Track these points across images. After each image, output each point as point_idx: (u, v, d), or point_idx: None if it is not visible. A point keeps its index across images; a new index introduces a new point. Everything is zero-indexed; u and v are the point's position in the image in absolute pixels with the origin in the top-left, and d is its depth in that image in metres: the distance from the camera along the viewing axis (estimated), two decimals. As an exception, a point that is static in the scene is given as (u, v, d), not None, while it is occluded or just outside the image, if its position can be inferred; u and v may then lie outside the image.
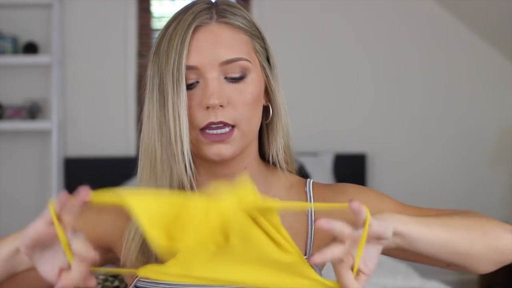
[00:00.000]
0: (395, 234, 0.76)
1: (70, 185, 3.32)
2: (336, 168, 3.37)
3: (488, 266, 0.88)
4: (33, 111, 3.30)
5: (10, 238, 0.80)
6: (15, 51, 3.28)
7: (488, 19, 3.38)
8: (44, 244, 0.73)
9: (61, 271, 0.72)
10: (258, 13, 3.43)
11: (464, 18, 3.51)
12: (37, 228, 0.72)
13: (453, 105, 3.59)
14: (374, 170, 3.55)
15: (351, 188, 0.98)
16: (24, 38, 3.35)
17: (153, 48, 0.89)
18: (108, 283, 1.24)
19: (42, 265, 0.74)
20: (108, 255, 0.96)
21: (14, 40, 3.29)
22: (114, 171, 3.25)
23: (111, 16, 3.44)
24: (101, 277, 1.26)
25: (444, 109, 3.58)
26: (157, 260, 0.88)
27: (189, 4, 0.90)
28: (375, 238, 0.73)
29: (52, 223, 0.71)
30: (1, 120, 3.26)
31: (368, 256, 0.73)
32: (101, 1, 3.43)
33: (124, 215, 0.95)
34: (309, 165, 3.19)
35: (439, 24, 3.56)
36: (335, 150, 3.48)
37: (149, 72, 0.88)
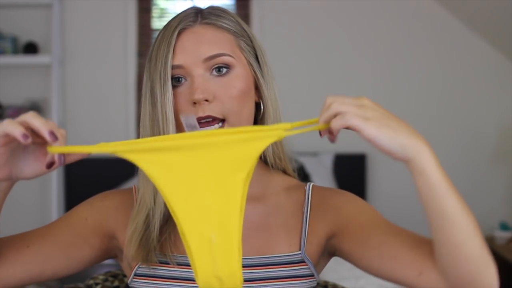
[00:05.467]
0: (411, 161, 0.73)
1: (70, 185, 3.32)
2: (336, 168, 3.37)
3: (458, 278, 0.79)
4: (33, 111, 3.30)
5: None
6: (15, 51, 3.28)
7: (488, 19, 3.38)
8: (13, 153, 0.77)
9: (46, 156, 0.77)
10: (258, 13, 3.43)
11: (464, 18, 3.51)
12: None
13: (453, 104, 3.59)
14: (374, 170, 3.55)
15: (349, 194, 0.99)
16: (24, 38, 3.35)
17: (148, 55, 0.94)
18: (108, 283, 1.24)
19: (25, 170, 0.78)
20: (112, 242, 0.98)
21: (14, 40, 3.29)
22: (114, 171, 3.25)
23: (111, 16, 3.44)
24: (101, 277, 1.26)
25: (444, 108, 3.58)
26: (157, 254, 0.90)
27: (179, 13, 0.95)
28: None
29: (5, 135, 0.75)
30: (1, 120, 3.26)
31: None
32: (101, 1, 3.43)
33: (126, 202, 0.97)
34: (309, 165, 3.19)
35: (439, 24, 3.56)
36: (335, 150, 3.48)
37: (144, 78, 0.93)
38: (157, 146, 0.73)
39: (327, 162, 3.36)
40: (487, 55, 3.57)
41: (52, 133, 0.73)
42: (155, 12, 3.51)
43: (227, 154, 0.73)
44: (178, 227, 0.77)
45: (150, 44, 3.46)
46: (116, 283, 1.24)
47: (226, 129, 0.77)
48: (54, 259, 0.93)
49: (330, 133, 0.75)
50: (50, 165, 0.76)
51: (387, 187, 3.54)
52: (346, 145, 3.51)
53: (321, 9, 3.52)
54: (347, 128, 0.73)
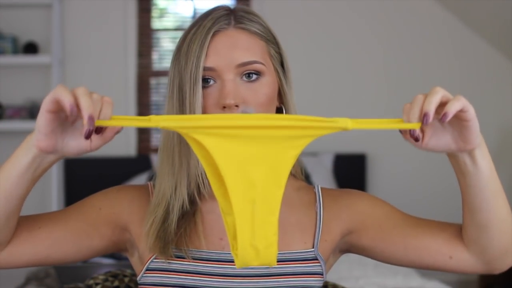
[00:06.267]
0: (472, 154, 0.84)
1: (70, 185, 3.32)
2: (336, 168, 3.37)
3: (495, 252, 0.89)
4: (33, 111, 3.30)
5: (18, 151, 0.79)
6: (15, 51, 3.28)
7: (488, 19, 3.38)
8: (62, 125, 0.75)
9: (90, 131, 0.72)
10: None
11: (465, 18, 3.51)
12: (48, 101, 0.72)
13: (453, 105, 3.59)
14: (374, 170, 3.55)
15: (357, 191, 1.04)
16: (24, 38, 3.35)
17: (174, 52, 0.95)
18: (108, 283, 1.24)
19: (70, 144, 0.76)
20: (124, 235, 0.99)
21: (14, 40, 3.29)
22: (114, 171, 3.25)
23: (111, 16, 3.44)
24: (101, 277, 1.26)
25: (444, 109, 3.58)
26: (172, 246, 0.93)
27: (209, 11, 0.95)
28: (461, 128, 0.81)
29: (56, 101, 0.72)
30: (1, 120, 3.26)
31: (437, 132, 0.83)
32: (101, 1, 3.43)
33: (142, 197, 0.99)
34: (309, 165, 3.19)
35: (440, 24, 3.56)
36: (335, 150, 3.48)
37: (170, 74, 0.94)
38: (213, 123, 0.75)
39: (327, 162, 3.36)
40: (487, 55, 3.57)
41: (90, 119, 0.70)
42: (155, 12, 3.51)
43: (284, 133, 0.77)
44: (219, 198, 0.78)
45: (150, 44, 3.46)
46: (116, 283, 1.24)
47: (291, 115, 0.81)
48: (63, 244, 0.93)
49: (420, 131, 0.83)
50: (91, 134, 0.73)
51: (387, 187, 3.54)
52: (346, 145, 3.52)
53: (321, 9, 3.52)
54: (460, 111, 0.80)
